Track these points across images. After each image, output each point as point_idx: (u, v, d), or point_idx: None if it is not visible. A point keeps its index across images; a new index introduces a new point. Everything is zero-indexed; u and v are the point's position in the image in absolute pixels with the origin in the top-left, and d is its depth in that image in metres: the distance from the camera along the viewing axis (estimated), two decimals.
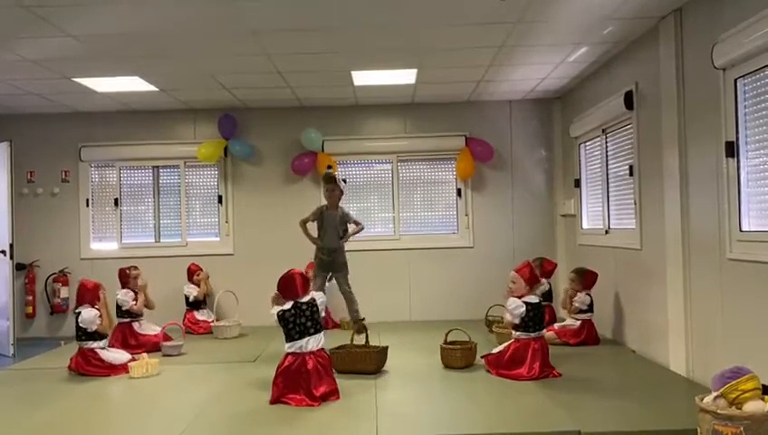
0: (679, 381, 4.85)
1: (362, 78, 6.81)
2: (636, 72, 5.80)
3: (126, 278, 6.65)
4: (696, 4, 4.72)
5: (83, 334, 5.55)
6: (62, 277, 8.13)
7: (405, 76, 6.80)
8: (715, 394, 3.25)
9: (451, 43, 5.70)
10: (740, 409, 3.14)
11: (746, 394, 3.16)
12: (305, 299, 4.63)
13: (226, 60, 6.07)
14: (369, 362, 5.28)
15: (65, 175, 8.28)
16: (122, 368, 5.52)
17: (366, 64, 6.34)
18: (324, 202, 6.43)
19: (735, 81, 4.24)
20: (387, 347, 5.53)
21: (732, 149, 4.26)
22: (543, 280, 5.05)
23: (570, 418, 3.99)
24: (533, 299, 5.17)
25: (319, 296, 4.74)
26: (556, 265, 7.12)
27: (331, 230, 6.25)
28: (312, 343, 4.53)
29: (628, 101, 5.84)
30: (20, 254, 7.44)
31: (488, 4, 4.72)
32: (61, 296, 8.09)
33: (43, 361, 6.44)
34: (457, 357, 5.40)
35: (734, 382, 3.20)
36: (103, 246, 8.33)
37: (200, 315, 7.61)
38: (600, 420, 3.98)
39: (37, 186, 8.23)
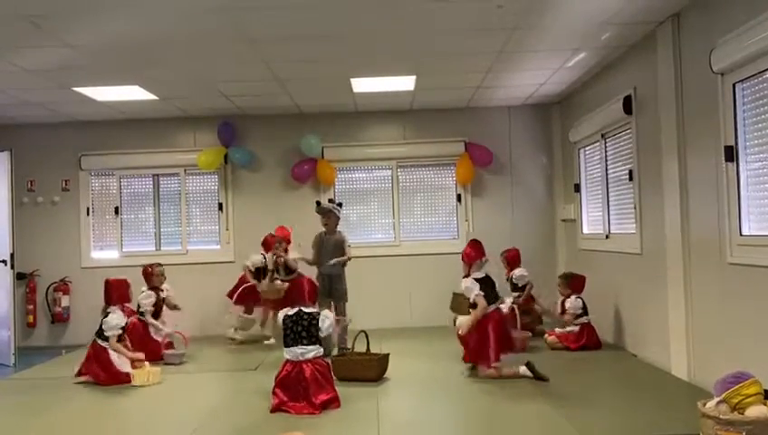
0: (681, 385, 4.84)
1: (361, 85, 6.83)
2: (634, 77, 5.81)
3: (149, 276, 6.62)
4: (693, 10, 4.74)
5: (101, 334, 5.58)
6: (63, 286, 8.13)
7: (404, 83, 6.82)
8: (717, 399, 3.25)
9: (449, 50, 5.72)
10: (742, 414, 3.14)
11: (748, 399, 3.16)
12: (309, 310, 4.68)
13: (226, 68, 6.08)
14: (371, 370, 5.28)
15: (65, 184, 8.29)
16: (125, 376, 5.47)
17: (365, 71, 6.36)
18: (323, 229, 6.49)
19: (734, 85, 4.25)
20: (388, 355, 5.52)
21: (731, 154, 4.26)
22: (484, 258, 5.44)
23: (571, 424, 3.99)
24: (479, 275, 5.37)
25: (328, 317, 4.72)
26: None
27: (328, 257, 6.29)
28: (307, 353, 4.53)
29: (627, 105, 5.85)
30: (21, 263, 7.43)
31: (486, 11, 4.73)
32: (61, 305, 8.09)
33: (44, 370, 6.43)
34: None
35: (736, 387, 3.20)
36: (104, 254, 8.33)
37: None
38: (601, 426, 3.98)
39: (37, 195, 8.24)
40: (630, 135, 5.96)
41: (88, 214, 8.31)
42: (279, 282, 6.72)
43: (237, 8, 4.51)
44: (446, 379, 5.35)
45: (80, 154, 8.23)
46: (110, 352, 5.53)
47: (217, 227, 8.33)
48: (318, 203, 6.59)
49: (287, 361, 4.56)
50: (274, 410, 4.45)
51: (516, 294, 6.90)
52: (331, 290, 6.31)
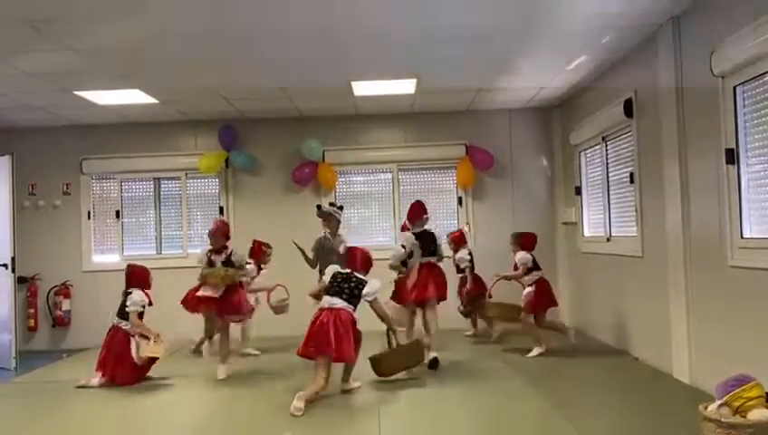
0: (682, 388, 4.83)
1: (362, 88, 6.83)
2: (635, 79, 5.82)
3: (259, 254, 6.91)
4: (693, 13, 4.74)
5: (123, 315, 5.70)
6: (64, 290, 8.13)
7: (404, 86, 6.82)
8: (719, 402, 3.24)
9: (450, 53, 5.72)
10: (744, 417, 3.13)
11: (750, 402, 3.15)
12: (360, 276, 5.06)
13: (227, 72, 6.09)
14: (414, 355, 5.42)
15: (66, 187, 8.30)
16: (141, 370, 5.64)
17: (366, 74, 6.36)
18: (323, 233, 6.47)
19: (734, 88, 4.25)
20: (419, 340, 5.64)
21: (732, 156, 4.26)
22: (425, 216, 6.08)
23: (572, 426, 3.98)
24: (417, 230, 5.94)
25: (376, 285, 5.07)
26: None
27: (329, 261, 6.27)
28: (339, 304, 4.89)
29: (628, 108, 5.85)
30: (22, 267, 7.43)
31: (487, 15, 4.73)
32: (62, 309, 8.09)
33: (46, 374, 6.43)
34: None
35: (738, 390, 3.19)
36: (105, 258, 8.33)
37: None
38: (602, 428, 3.97)
39: (38, 198, 8.25)
40: (631, 138, 5.96)
41: (89, 217, 8.32)
42: (224, 269, 5.81)
43: (238, 12, 4.52)
44: (446, 380, 5.35)
45: (81, 158, 8.24)
46: (132, 342, 5.60)
47: None
48: (319, 207, 6.59)
49: (321, 308, 4.90)
50: (301, 354, 4.79)
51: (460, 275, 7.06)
52: None
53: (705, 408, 3.29)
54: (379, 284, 5.12)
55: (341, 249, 6.26)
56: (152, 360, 5.68)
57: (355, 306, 4.96)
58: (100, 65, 5.66)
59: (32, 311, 8.09)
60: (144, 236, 8.45)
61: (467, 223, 8.22)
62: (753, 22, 3.94)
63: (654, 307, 5.50)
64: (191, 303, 6.19)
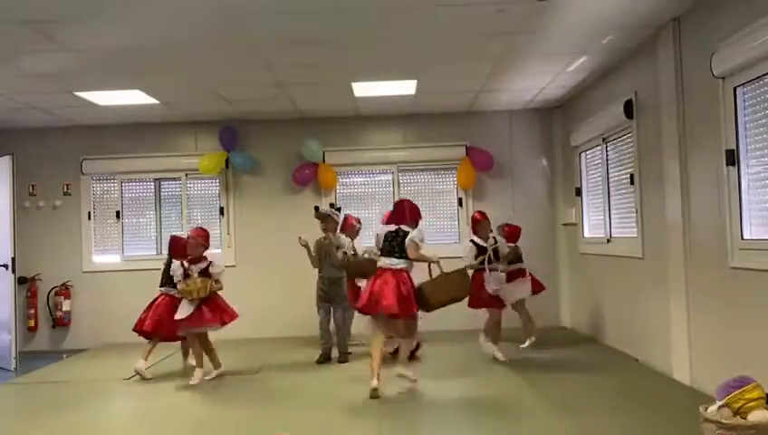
0: (683, 390, 4.83)
1: (363, 89, 6.84)
2: (635, 81, 5.82)
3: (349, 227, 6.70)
4: (694, 14, 4.74)
5: (168, 281, 5.88)
6: (65, 290, 8.13)
7: (405, 87, 6.83)
8: (719, 404, 3.24)
9: (450, 54, 5.72)
10: (744, 418, 3.13)
11: (751, 404, 3.14)
12: (406, 228, 5.05)
13: (227, 72, 6.09)
14: (461, 286, 5.20)
15: (67, 188, 8.30)
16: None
17: (366, 76, 6.37)
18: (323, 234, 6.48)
19: (735, 89, 4.25)
20: (464, 270, 5.45)
21: (732, 158, 4.26)
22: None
23: (573, 427, 3.98)
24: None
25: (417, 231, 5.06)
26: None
27: (328, 262, 6.29)
28: (389, 262, 4.99)
29: (628, 109, 5.86)
30: (22, 267, 7.43)
31: (488, 16, 4.74)
32: (63, 310, 8.09)
33: (46, 374, 6.43)
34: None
35: (738, 392, 3.19)
36: (105, 258, 8.33)
37: None
38: (602, 430, 3.97)
39: (39, 199, 8.25)
40: (631, 139, 5.96)
41: (89, 218, 8.32)
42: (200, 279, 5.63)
43: (239, 14, 4.52)
44: (446, 381, 5.35)
45: (81, 158, 8.24)
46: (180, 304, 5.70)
47: (219, 232, 8.32)
48: (317, 208, 6.59)
49: (380, 268, 5.01)
50: (365, 312, 5.02)
51: None
52: (330, 294, 6.31)
53: (706, 409, 3.29)
54: (421, 233, 5.08)
55: (341, 251, 6.29)
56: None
57: (407, 259, 5.00)
58: (100, 66, 5.66)
59: (32, 311, 8.09)
60: (145, 237, 8.45)
61: (468, 224, 8.21)
62: (753, 23, 3.95)
63: (654, 308, 5.50)
64: (168, 329, 5.77)
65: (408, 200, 5.35)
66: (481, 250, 6.01)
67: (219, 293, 5.73)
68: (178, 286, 5.61)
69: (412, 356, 5.86)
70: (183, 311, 5.55)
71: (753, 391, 3.18)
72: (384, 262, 5.04)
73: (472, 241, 6.17)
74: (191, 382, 5.56)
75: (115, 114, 7.64)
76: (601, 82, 6.67)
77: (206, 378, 5.69)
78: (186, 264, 5.67)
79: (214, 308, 5.62)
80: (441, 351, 6.49)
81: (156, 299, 5.99)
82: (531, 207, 8.22)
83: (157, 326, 5.80)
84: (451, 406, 4.76)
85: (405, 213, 5.18)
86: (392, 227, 5.12)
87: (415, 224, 5.16)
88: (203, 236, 5.78)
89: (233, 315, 5.72)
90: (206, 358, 5.76)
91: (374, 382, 4.84)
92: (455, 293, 5.15)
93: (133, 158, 8.25)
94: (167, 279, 5.94)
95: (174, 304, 5.73)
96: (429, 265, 5.12)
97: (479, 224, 6.21)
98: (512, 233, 6.71)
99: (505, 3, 4.49)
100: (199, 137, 8.29)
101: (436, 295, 5.04)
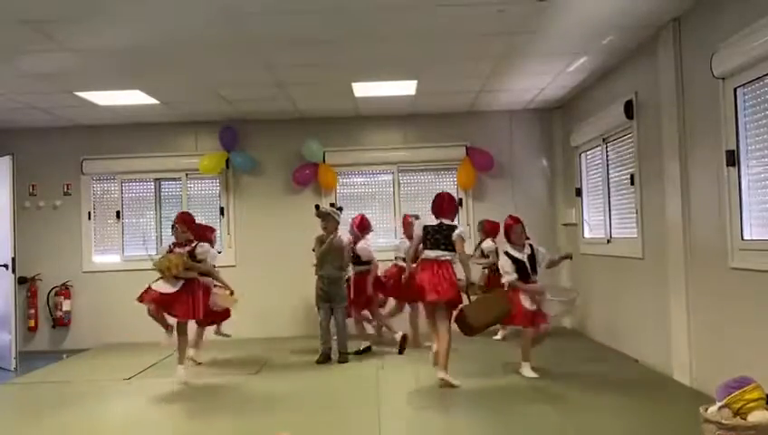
0: (683, 390, 4.83)
1: (363, 89, 6.84)
2: (635, 81, 5.82)
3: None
4: (694, 14, 4.74)
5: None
6: (65, 291, 8.12)
7: (405, 87, 6.82)
8: (719, 404, 3.24)
9: (450, 55, 5.72)
10: (744, 419, 3.13)
11: (751, 404, 3.15)
12: (448, 222, 5.17)
13: (227, 73, 6.09)
14: (499, 306, 5.18)
15: (67, 188, 8.30)
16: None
17: (366, 76, 6.37)
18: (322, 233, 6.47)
19: (735, 89, 4.25)
20: (502, 290, 5.45)
21: (732, 158, 4.26)
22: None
23: (572, 428, 3.98)
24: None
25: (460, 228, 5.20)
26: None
27: (329, 261, 6.29)
28: (435, 254, 5.10)
29: (629, 110, 5.85)
30: (22, 267, 7.42)
31: (488, 16, 4.74)
32: (63, 310, 8.09)
33: (46, 374, 6.43)
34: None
35: (738, 392, 3.19)
36: (105, 258, 8.33)
37: None
38: (602, 430, 3.97)
39: (39, 199, 8.25)
40: (632, 139, 5.96)
41: (89, 218, 8.32)
42: (178, 252, 5.61)
43: (239, 14, 4.52)
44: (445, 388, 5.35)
45: (81, 158, 8.24)
46: (213, 289, 6.01)
47: (219, 232, 8.31)
48: (317, 207, 6.59)
49: (424, 259, 5.13)
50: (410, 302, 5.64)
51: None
52: (330, 294, 6.31)
53: (706, 410, 3.29)
54: (464, 228, 5.31)
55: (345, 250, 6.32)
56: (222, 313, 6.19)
57: (452, 251, 5.09)
58: (100, 66, 5.66)
59: (32, 311, 8.09)
60: (145, 237, 8.43)
61: (468, 225, 8.22)
62: (753, 23, 3.94)
63: (654, 309, 5.49)
64: (144, 296, 5.55)
65: (448, 193, 5.37)
66: (516, 263, 5.41)
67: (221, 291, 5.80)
68: (153, 258, 5.52)
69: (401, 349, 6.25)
70: (161, 285, 5.44)
71: (753, 392, 3.18)
72: (429, 254, 5.11)
73: (507, 253, 5.48)
74: (182, 380, 5.57)
75: (115, 114, 7.64)
76: (602, 83, 6.67)
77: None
78: (171, 247, 5.67)
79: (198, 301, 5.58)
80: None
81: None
82: (531, 208, 8.19)
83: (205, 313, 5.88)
84: (450, 405, 4.76)
85: (444, 206, 5.24)
86: (432, 221, 5.20)
87: (453, 216, 5.26)
88: (188, 222, 5.79)
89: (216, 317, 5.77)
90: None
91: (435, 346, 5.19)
92: (497, 312, 5.18)
93: (133, 158, 8.25)
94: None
95: (205, 289, 5.89)
96: (467, 274, 5.16)
97: (512, 230, 5.55)
98: (492, 229, 6.81)
99: (505, 3, 4.49)
100: (199, 137, 8.29)
101: (479, 318, 5.07)
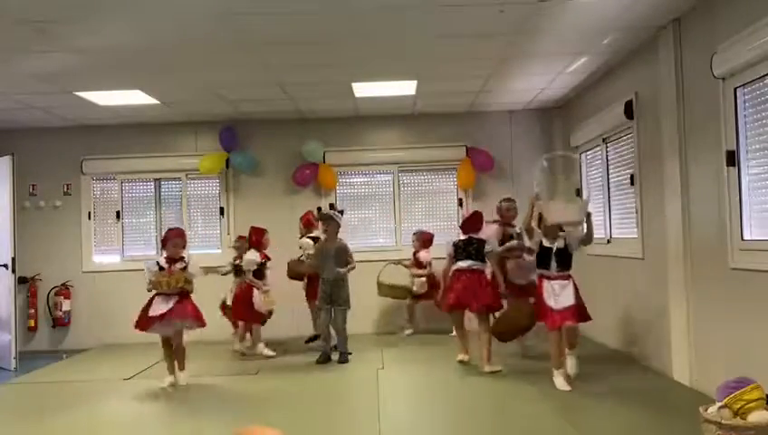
0: (683, 390, 4.83)
1: (363, 89, 6.84)
2: (636, 81, 5.82)
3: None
4: (694, 14, 4.74)
5: (238, 272, 6.67)
6: (64, 291, 8.12)
7: (405, 87, 6.82)
8: (719, 404, 3.24)
9: (450, 55, 5.72)
10: (744, 419, 3.13)
11: (751, 404, 3.15)
12: (478, 237, 5.78)
13: (227, 73, 6.09)
14: (524, 314, 5.50)
15: (67, 188, 8.30)
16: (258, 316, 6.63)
17: (366, 76, 6.37)
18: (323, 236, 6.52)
19: (735, 90, 4.25)
20: (527, 302, 5.64)
21: (733, 158, 4.26)
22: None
23: (572, 428, 3.98)
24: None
25: (491, 240, 5.81)
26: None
27: (330, 262, 6.31)
28: (468, 263, 5.69)
29: (629, 110, 5.85)
30: (22, 267, 7.42)
31: (488, 16, 4.74)
32: (63, 310, 8.08)
33: (46, 374, 6.43)
34: None
35: (738, 393, 3.19)
36: (105, 259, 8.33)
37: None
38: (602, 430, 3.97)
39: (39, 199, 8.25)
40: (632, 140, 5.96)
41: (89, 218, 8.32)
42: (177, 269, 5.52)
43: (239, 14, 4.52)
44: (446, 382, 5.35)
45: (81, 158, 8.24)
46: (254, 291, 6.52)
47: (219, 232, 8.33)
48: (319, 209, 6.61)
49: (457, 269, 5.71)
50: (449, 310, 5.80)
51: None
52: (333, 296, 6.31)
53: (706, 410, 3.29)
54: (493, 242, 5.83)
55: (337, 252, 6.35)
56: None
57: (484, 262, 5.71)
58: (100, 66, 5.66)
59: (32, 311, 8.09)
60: (145, 237, 8.44)
61: None
62: (753, 24, 3.94)
63: (654, 309, 5.49)
64: (142, 323, 5.49)
65: (480, 213, 6.02)
66: (542, 251, 5.12)
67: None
68: (150, 279, 5.43)
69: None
70: (157, 307, 5.38)
71: (753, 392, 3.18)
72: (462, 265, 5.69)
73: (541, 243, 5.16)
74: (181, 383, 5.56)
75: (115, 114, 7.64)
76: (602, 83, 6.67)
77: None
78: (164, 262, 5.56)
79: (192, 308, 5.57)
80: (440, 352, 6.48)
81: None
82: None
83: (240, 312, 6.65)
84: (450, 405, 4.75)
85: (478, 223, 5.88)
86: (462, 236, 5.84)
87: (478, 232, 5.84)
88: (182, 236, 5.76)
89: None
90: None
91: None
92: (525, 322, 5.52)
93: (133, 158, 8.24)
94: (237, 270, 6.69)
95: (250, 291, 6.53)
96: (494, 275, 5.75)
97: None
98: (426, 241, 7.48)
99: (506, 3, 4.49)
100: (199, 137, 8.29)
101: (509, 329, 5.66)
